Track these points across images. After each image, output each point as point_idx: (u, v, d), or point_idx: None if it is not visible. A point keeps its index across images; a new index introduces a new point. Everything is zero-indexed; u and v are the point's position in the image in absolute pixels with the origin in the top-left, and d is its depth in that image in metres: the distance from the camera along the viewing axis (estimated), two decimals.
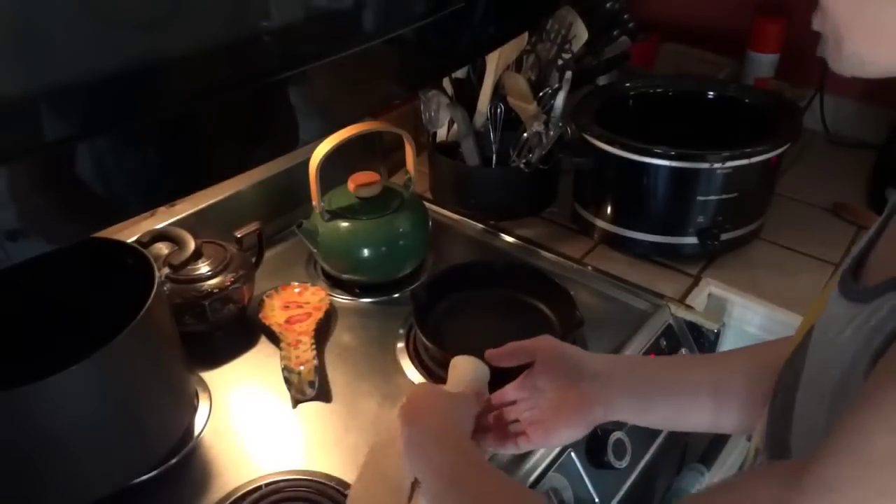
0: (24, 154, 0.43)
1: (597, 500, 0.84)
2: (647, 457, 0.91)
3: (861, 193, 1.30)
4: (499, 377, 0.74)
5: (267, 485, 0.78)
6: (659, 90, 1.24)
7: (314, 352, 0.93)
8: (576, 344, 0.79)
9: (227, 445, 0.84)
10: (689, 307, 1.04)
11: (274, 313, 0.99)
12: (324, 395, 0.90)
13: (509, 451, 0.70)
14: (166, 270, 0.88)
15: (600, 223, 1.16)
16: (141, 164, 0.51)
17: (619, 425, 0.85)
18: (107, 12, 0.45)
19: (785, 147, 1.07)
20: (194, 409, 0.87)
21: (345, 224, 1.03)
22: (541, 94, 1.13)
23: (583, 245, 1.18)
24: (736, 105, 1.20)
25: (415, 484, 0.66)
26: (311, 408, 0.89)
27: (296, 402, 0.89)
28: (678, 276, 1.11)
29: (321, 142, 0.99)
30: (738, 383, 0.66)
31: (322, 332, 0.99)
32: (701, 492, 0.65)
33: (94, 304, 0.77)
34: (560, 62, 1.13)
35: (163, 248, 0.92)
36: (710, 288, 1.11)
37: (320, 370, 0.93)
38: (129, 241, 0.83)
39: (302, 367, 0.91)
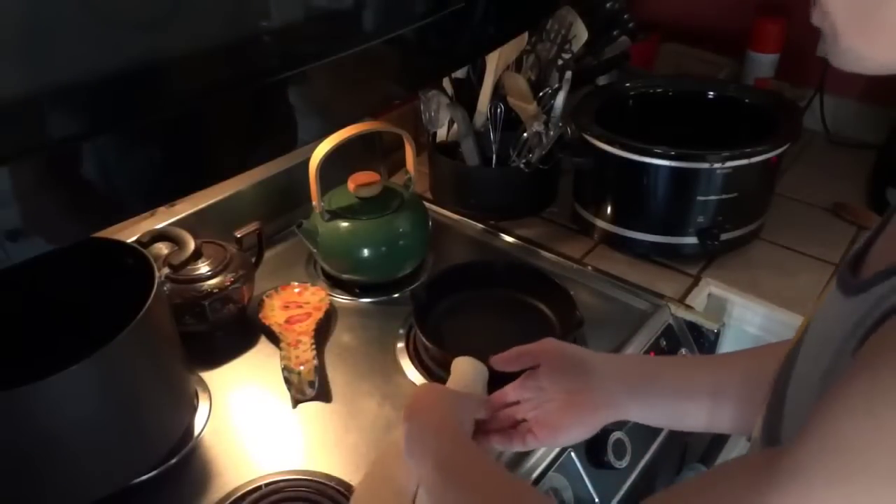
0: (24, 154, 0.43)
1: (597, 500, 0.84)
2: (647, 457, 0.91)
3: (861, 193, 1.30)
4: (498, 377, 0.74)
5: (267, 485, 0.78)
6: (659, 90, 1.24)
7: (314, 352, 0.93)
8: (576, 344, 0.79)
9: (227, 445, 0.84)
10: (689, 307, 1.04)
11: (274, 313, 0.99)
12: (324, 395, 0.90)
13: (516, 448, 0.70)
14: (166, 270, 0.88)
15: (600, 223, 1.16)
16: (141, 163, 0.51)
17: (619, 425, 0.85)
18: (107, 12, 0.45)
19: (785, 147, 1.07)
20: (194, 409, 0.87)
21: (345, 224, 1.03)
22: (541, 94, 1.13)
23: (583, 245, 1.18)
24: (736, 105, 1.20)
25: (418, 490, 0.66)
26: (311, 408, 0.89)
27: (296, 402, 0.89)
28: (678, 276, 1.11)
29: (321, 142, 0.99)
30: (736, 384, 0.66)
31: (322, 332, 0.99)
32: (683, 482, 0.66)
33: (94, 304, 0.77)
34: (560, 62, 1.13)
35: (163, 248, 0.92)
36: (710, 288, 1.11)
37: (320, 370, 0.93)
38: (129, 241, 0.82)
39: (302, 367, 0.91)
